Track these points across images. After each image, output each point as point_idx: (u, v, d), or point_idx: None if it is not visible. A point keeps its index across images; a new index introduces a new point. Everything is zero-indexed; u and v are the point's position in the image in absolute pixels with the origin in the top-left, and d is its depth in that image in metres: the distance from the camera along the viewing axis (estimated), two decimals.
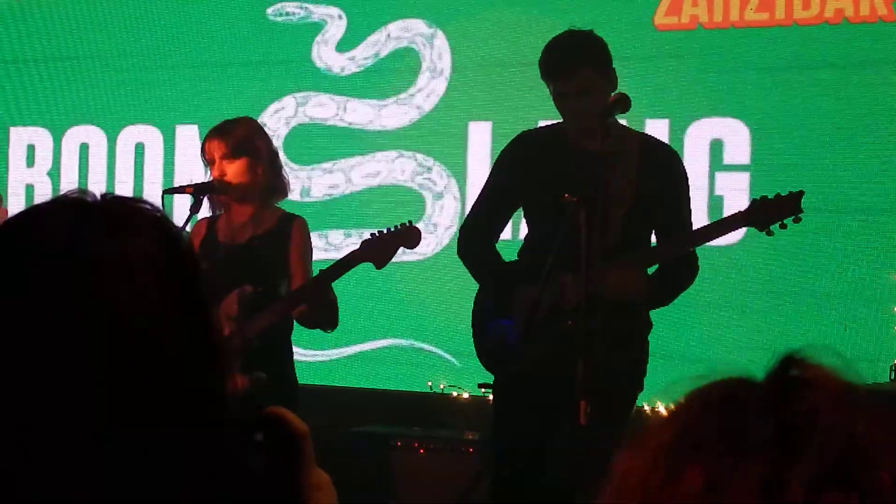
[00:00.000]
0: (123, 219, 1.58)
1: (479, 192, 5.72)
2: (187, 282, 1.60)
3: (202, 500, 1.54)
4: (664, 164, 5.38)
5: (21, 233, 1.60)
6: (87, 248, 1.52)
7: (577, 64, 5.16)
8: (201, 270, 1.66)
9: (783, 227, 5.07)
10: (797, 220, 5.04)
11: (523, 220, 5.71)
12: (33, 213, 1.63)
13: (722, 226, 5.26)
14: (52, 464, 1.48)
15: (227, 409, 1.61)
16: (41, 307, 1.51)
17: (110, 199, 1.62)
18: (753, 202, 5.13)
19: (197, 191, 5.55)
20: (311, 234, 5.86)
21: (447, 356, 7.06)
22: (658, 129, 6.59)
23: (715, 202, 6.54)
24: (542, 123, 5.82)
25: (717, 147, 6.79)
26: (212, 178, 5.56)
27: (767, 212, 5.06)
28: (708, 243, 5.45)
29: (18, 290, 1.53)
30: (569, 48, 5.23)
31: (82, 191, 1.61)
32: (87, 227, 1.55)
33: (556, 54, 5.23)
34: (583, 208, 5.00)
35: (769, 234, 5.10)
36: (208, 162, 5.58)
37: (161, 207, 1.87)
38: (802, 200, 5.05)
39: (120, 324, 1.51)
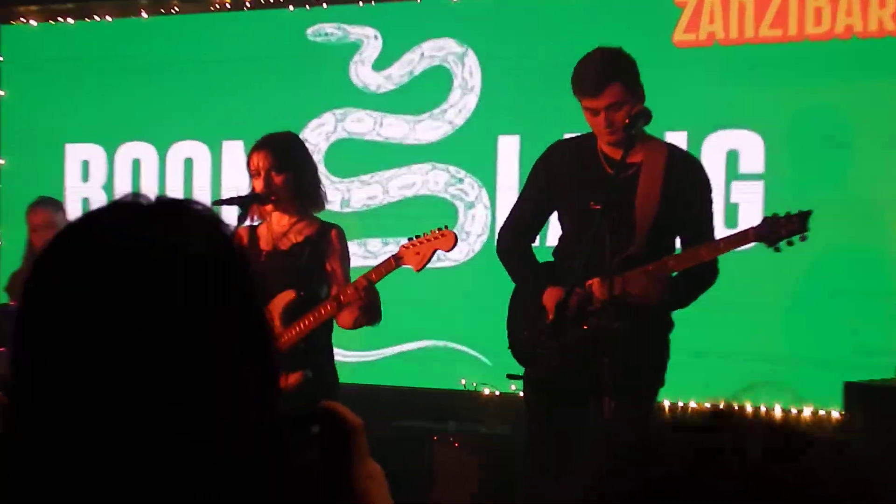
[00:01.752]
0: (176, 217, 1.60)
1: (510, 200, 5.71)
2: (238, 276, 1.62)
3: (257, 489, 1.54)
4: (689, 173, 5.40)
5: (82, 233, 1.61)
6: (141, 245, 1.55)
7: (606, 80, 5.14)
8: (250, 265, 1.67)
9: (790, 244, 5.06)
10: (803, 239, 5.02)
11: (551, 226, 5.76)
12: (93, 215, 1.64)
13: (733, 241, 5.21)
14: (122, 460, 1.49)
15: (280, 397, 1.62)
16: (101, 300, 1.52)
17: (164, 201, 1.64)
18: (764, 220, 5.10)
19: (243, 202, 5.57)
20: (351, 243, 5.87)
21: (479, 356, 7.11)
22: (677, 140, 6.51)
23: (731, 210, 6.54)
24: (566, 136, 5.76)
25: (732, 157, 6.81)
26: (256, 190, 5.59)
27: (776, 230, 5.04)
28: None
29: (81, 285, 1.53)
30: (599, 65, 5.21)
31: (136, 194, 1.63)
32: (142, 225, 1.57)
33: (587, 71, 5.22)
34: (607, 216, 5.03)
35: (777, 250, 5.09)
36: (253, 174, 5.60)
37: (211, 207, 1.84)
38: (809, 219, 5.00)
39: (176, 315, 1.52)
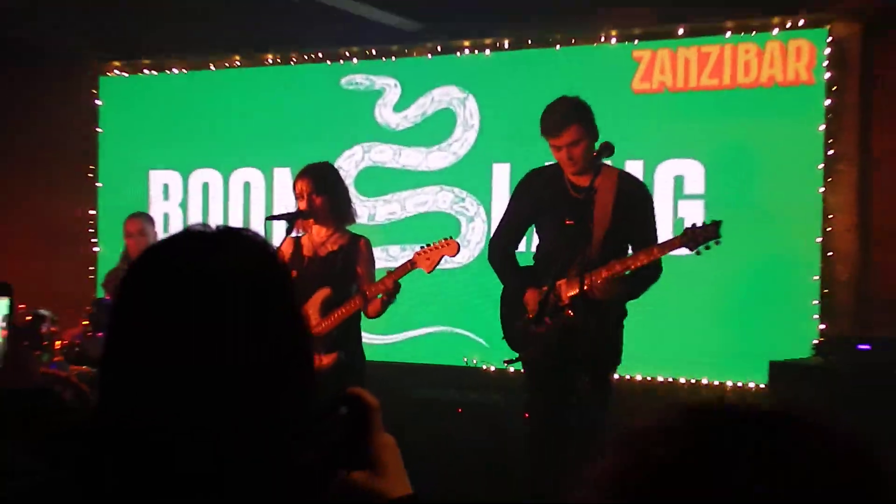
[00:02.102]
0: (234, 242, 1.63)
1: (502, 214, 5.69)
2: (280, 287, 1.63)
3: (301, 455, 1.57)
4: (635, 193, 5.37)
5: (162, 254, 1.64)
6: (206, 264, 1.58)
7: (565, 124, 5.15)
8: (292, 278, 1.69)
9: (707, 248, 5.05)
10: (718, 244, 5.02)
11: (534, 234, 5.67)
12: (172, 239, 1.66)
13: (665, 247, 5.16)
14: (207, 441, 1.50)
15: (315, 382, 1.63)
16: (176, 307, 1.54)
17: (224, 229, 1.66)
18: (685, 230, 5.09)
19: (290, 217, 5.57)
20: (375, 249, 5.82)
21: (478, 339, 7.08)
22: (635, 166, 6.61)
23: (678, 223, 6.39)
24: (547, 163, 5.67)
25: (679, 181, 6.80)
26: (300, 208, 5.56)
27: (695, 237, 5.03)
28: (671, 254, 5.24)
29: (160, 295, 1.56)
30: (559, 111, 5.22)
31: (204, 224, 1.66)
32: (208, 249, 1.61)
33: (550, 117, 5.24)
34: (577, 230, 5.14)
35: (698, 253, 5.07)
36: (298, 196, 5.56)
37: (262, 233, 1.78)
38: (719, 228, 5.01)
39: (235, 320, 1.53)
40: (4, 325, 2.08)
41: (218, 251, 1.59)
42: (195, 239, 1.63)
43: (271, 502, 1.53)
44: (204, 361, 1.51)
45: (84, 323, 7.05)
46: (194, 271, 1.56)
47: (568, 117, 5.19)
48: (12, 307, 2.09)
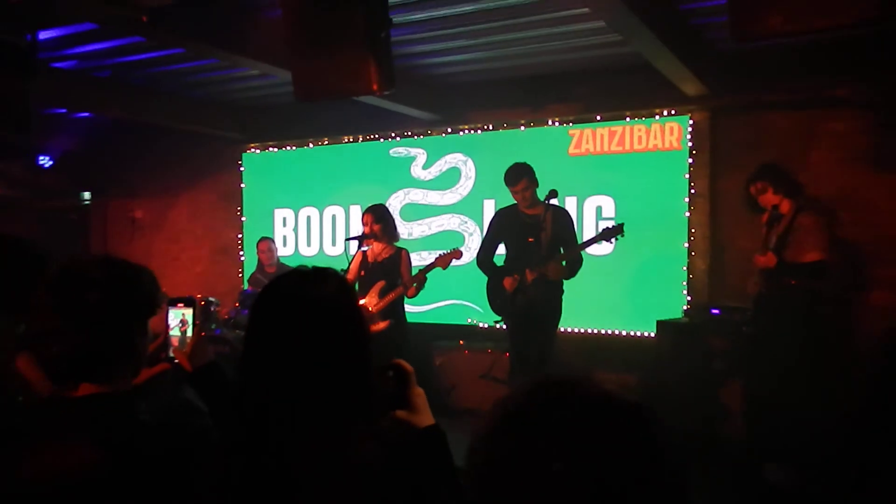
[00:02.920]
0: (323, 277, 1.61)
1: (483, 236, 5.72)
2: (354, 306, 1.61)
3: (373, 404, 1.56)
4: (563, 217, 5.37)
5: (280, 285, 1.60)
6: (311, 293, 1.56)
7: (517, 178, 5.27)
8: (359, 300, 1.69)
9: (617, 239, 5.20)
10: (622, 236, 5.14)
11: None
12: (286, 275, 1.63)
13: (587, 243, 5.28)
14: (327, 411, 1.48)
15: (372, 362, 1.59)
16: (290, 320, 1.53)
17: (317, 269, 1.63)
18: (603, 230, 5.23)
19: (360, 238, 5.58)
20: (412, 254, 5.75)
21: (476, 307, 6.99)
22: (572, 201, 6.66)
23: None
24: (505, 206, 5.63)
25: (599, 209, 6.74)
26: (365, 232, 5.55)
27: (608, 233, 5.18)
28: (589, 251, 5.43)
29: (281, 316, 1.55)
30: (514, 171, 5.32)
31: (304, 266, 1.68)
32: (307, 282, 1.59)
33: (509, 174, 5.33)
34: (535, 242, 5.21)
35: (611, 243, 5.23)
36: (364, 224, 5.57)
37: (344, 248, 1.75)
38: (624, 228, 5.13)
39: (328, 331, 1.52)
40: (190, 324, 2.04)
41: (317, 284, 1.58)
42: (301, 276, 1.61)
43: (357, 424, 1.52)
44: (311, 354, 1.50)
45: (235, 305, 7.12)
46: (303, 297, 1.56)
47: (520, 174, 5.29)
48: (195, 313, 2.04)
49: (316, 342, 1.51)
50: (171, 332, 2.01)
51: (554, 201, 5.26)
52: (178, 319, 2.01)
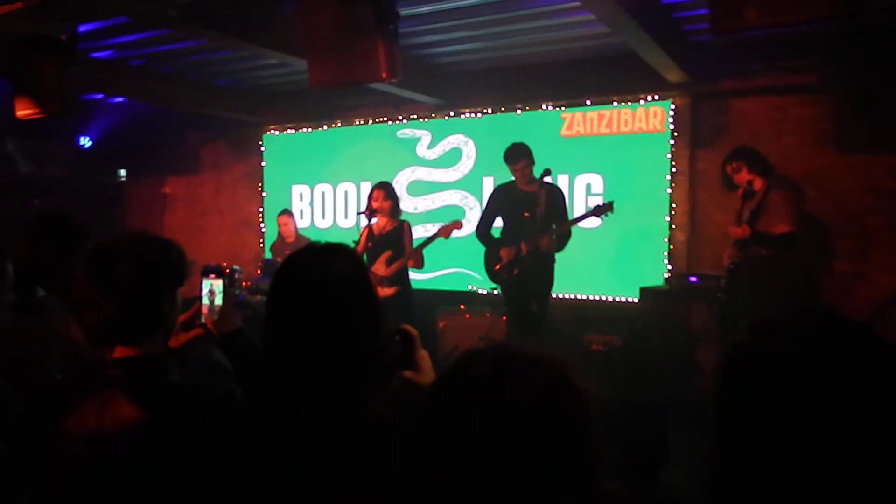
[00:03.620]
0: (335, 252, 1.57)
1: (482, 209, 5.73)
2: (366, 279, 1.57)
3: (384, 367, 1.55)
4: (556, 194, 5.36)
5: (297, 259, 1.57)
6: (321, 268, 1.53)
7: (517, 158, 5.23)
8: (370, 273, 1.63)
9: (606, 216, 5.17)
10: (611, 212, 5.12)
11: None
12: (301, 251, 1.59)
13: (581, 217, 5.25)
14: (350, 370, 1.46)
15: (383, 326, 1.56)
16: (306, 292, 1.50)
17: (329, 244, 1.60)
18: (594, 207, 5.19)
19: (369, 212, 5.55)
20: (417, 226, 5.82)
21: (476, 275, 6.98)
22: (563, 178, 6.61)
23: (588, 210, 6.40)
24: (503, 183, 5.63)
25: (588, 186, 6.69)
26: (373, 207, 5.53)
27: (598, 210, 5.15)
28: (579, 226, 5.39)
29: (298, 289, 1.51)
30: (513, 150, 5.28)
31: (317, 242, 1.61)
32: (320, 258, 1.56)
33: (509, 154, 5.29)
34: (530, 217, 5.18)
35: (600, 218, 5.18)
36: (373, 199, 5.54)
37: (356, 220, 1.68)
38: (614, 205, 5.12)
39: (343, 302, 1.49)
40: (218, 293, 2.00)
41: (331, 259, 1.55)
42: (316, 252, 1.58)
43: (370, 385, 1.50)
44: (329, 323, 1.48)
45: (257, 273, 7.13)
46: (319, 273, 1.53)
47: (520, 153, 5.27)
48: (225, 284, 2.01)
49: (332, 313, 1.49)
50: (203, 301, 2.01)
51: (548, 179, 5.21)
52: (208, 289, 2.00)
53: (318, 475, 1.39)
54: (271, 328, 1.52)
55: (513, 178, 5.39)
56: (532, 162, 5.26)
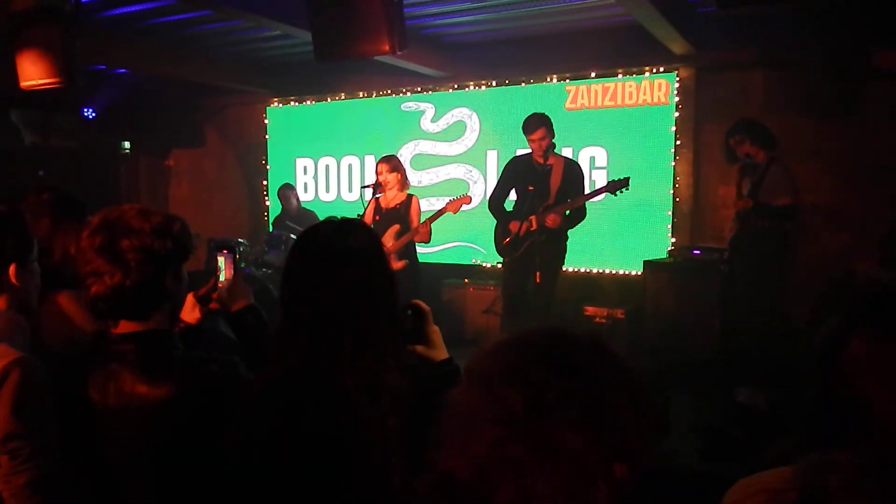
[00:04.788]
0: (350, 227, 1.59)
1: (492, 182, 5.66)
2: (381, 252, 1.58)
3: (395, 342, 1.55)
4: (573, 169, 5.33)
5: (313, 234, 1.60)
6: (337, 242, 1.55)
7: (536, 127, 5.12)
8: (385, 247, 1.61)
9: (621, 192, 5.11)
10: (627, 189, 5.07)
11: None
12: (316, 226, 1.61)
13: (592, 194, 5.23)
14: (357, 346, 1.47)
15: (398, 300, 1.58)
16: (322, 266, 1.52)
17: (345, 219, 1.61)
18: (609, 182, 5.14)
19: (375, 186, 5.58)
20: (423, 200, 5.75)
21: (480, 249, 7.07)
22: (568, 150, 6.57)
23: (591, 184, 6.24)
24: (519, 152, 5.66)
25: (592, 159, 6.69)
26: (379, 180, 5.55)
27: (613, 186, 5.09)
28: (591, 201, 5.35)
29: (315, 262, 1.53)
30: (532, 120, 5.17)
31: (333, 217, 1.62)
32: (336, 232, 1.58)
33: (527, 123, 5.18)
34: (535, 190, 5.18)
35: (614, 195, 5.14)
36: (378, 173, 5.55)
37: (359, 194, 1.70)
38: (630, 181, 5.08)
39: (361, 276, 1.51)
40: (223, 269, 2.00)
41: (349, 234, 1.57)
42: (334, 227, 1.59)
43: (387, 356, 1.51)
44: (347, 295, 1.49)
45: (263, 245, 7.20)
46: (338, 247, 1.55)
47: (539, 123, 5.15)
48: (235, 259, 2.00)
49: (352, 286, 1.50)
50: (220, 277, 2.01)
51: (558, 152, 5.22)
52: (221, 263, 2.02)
53: (337, 445, 1.41)
54: (290, 302, 1.53)
55: (530, 150, 5.33)
56: (551, 134, 5.17)
